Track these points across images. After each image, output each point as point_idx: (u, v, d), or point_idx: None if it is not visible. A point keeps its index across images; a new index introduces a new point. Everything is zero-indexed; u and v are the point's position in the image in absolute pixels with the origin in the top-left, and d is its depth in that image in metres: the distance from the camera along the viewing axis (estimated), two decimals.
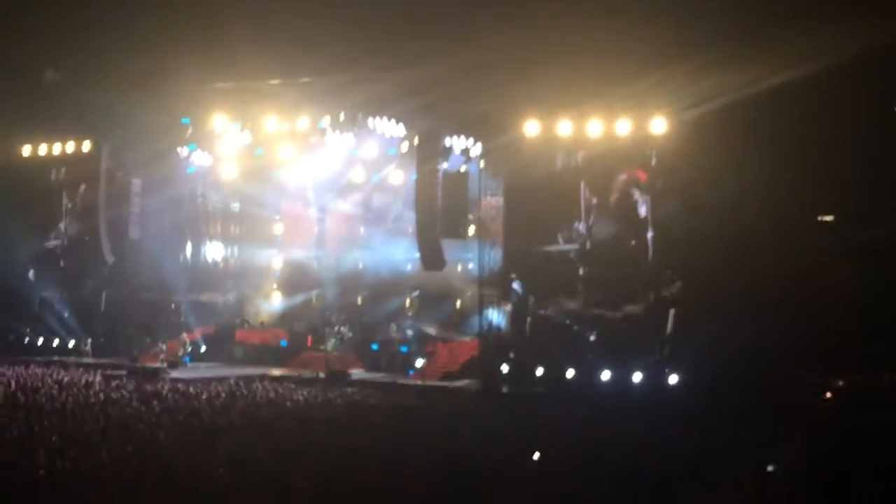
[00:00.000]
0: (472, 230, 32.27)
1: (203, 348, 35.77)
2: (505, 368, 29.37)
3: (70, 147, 37.12)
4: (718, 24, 26.49)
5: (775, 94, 25.63)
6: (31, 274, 37.49)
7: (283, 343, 35.63)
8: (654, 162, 28.42)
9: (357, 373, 32.33)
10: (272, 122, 34.03)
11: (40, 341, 36.90)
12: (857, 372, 25.99)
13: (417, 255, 32.13)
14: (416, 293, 37.03)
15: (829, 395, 26.05)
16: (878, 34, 24.54)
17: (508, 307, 30.10)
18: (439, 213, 30.61)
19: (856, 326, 25.48)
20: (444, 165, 31.04)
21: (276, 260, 40.23)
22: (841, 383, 26.13)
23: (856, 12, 24.76)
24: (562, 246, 29.75)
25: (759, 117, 26.03)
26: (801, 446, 20.18)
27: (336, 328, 34.99)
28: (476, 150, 31.42)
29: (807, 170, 26.15)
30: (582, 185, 29.35)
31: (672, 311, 27.87)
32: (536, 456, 18.82)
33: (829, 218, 28.12)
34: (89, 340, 36.14)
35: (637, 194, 28.71)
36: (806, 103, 25.81)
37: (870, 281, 26.16)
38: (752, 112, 25.92)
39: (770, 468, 17.96)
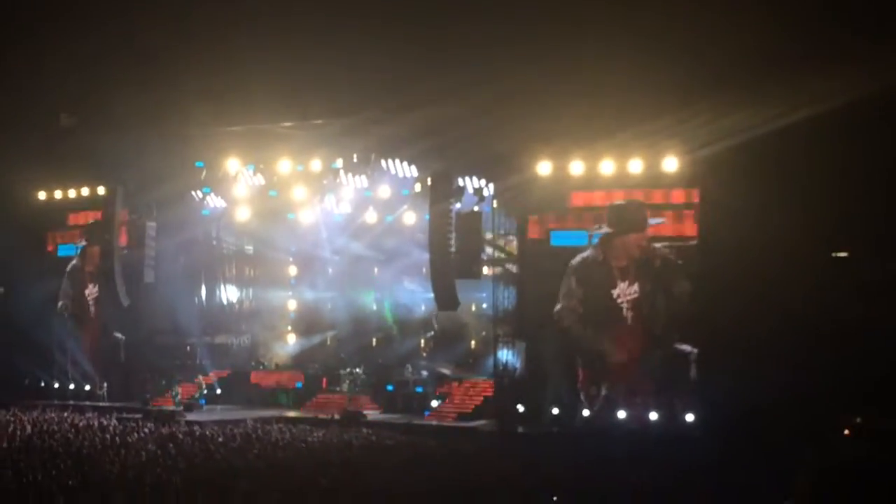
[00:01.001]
0: (485, 270, 32.28)
1: (218, 391, 35.78)
2: (521, 408, 29.33)
3: (85, 191, 37.43)
4: (730, 65, 26.55)
5: (788, 133, 25.68)
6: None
7: (299, 385, 35.62)
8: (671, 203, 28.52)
9: (372, 414, 32.31)
10: (285, 164, 34.25)
11: (56, 385, 36.97)
12: (874, 408, 25.91)
13: (431, 295, 32.12)
14: (430, 333, 37.05)
15: (846, 431, 25.97)
16: (893, 74, 24.59)
17: (523, 346, 30.06)
18: (453, 253, 30.62)
19: (872, 363, 25.42)
20: (457, 205, 31.07)
21: (290, 302, 40.28)
22: (858, 420, 26.04)
23: (869, 53, 24.82)
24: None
25: (773, 156, 26.08)
26: (815, 482, 20.09)
27: (351, 369, 35.00)
28: (489, 189, 31.52)
29: (820, 206, 26.17)
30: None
31: (693, 354, 27.82)
32: (555, 499, 18.77)
33: (843, 254, 28.10)
34: (105, 384, 36.22)
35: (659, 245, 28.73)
36: (819, 141, 25.85)
37: (885, 317, 26.10)
38: (766, 150, 25.97)
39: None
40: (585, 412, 28.60)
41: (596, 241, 29.39)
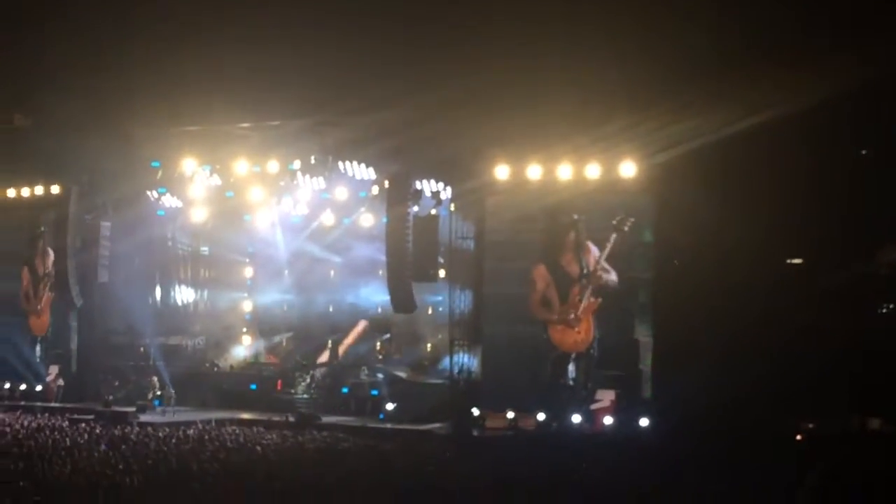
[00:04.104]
0: (442, 273, 32.25)
1: (172, 392, 35.48)
2: (476, 411, 29.32)
3: (39, 190, 36.92)
4: (688, 68, 26.69)
5: (746, 138, 25.82)
6: None
7: (253, 387, 35.38)
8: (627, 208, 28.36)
9: (327, 416, 32.17)
10: (242, 165, 34.07)
11: (7, 385, 36.49)
12: (827, 413, 26.12)
13: (388, 298, 32.07)
14: (386, 336, 36.97)
15: (799, 437, 26.15)
16: (850, 79, 24.81)
17: (479, 349, 30.01)
18: (410, 256, 30.60)
19: (826, 369, 25.62)
20: (415, 209, 31.05)
21: (245, 303, 40.11)
22: (811, 425, 26.23)
23: (826, 57, 25.02)
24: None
25: (729, 162, 26.23)
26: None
27: (306, 372, 34.83)
28: (446, 193, 31.48)
29: (776, 213, 26.33)
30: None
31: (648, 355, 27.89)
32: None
33: (798, 261, 28.30)
34: (58, 383, 35.82)
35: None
36: (775, 147, 26.02)
37: (838, 324, 26.32)
38: (722, 156, 26.11)
39: None
40: (540, 416, 28.54)
41: None
